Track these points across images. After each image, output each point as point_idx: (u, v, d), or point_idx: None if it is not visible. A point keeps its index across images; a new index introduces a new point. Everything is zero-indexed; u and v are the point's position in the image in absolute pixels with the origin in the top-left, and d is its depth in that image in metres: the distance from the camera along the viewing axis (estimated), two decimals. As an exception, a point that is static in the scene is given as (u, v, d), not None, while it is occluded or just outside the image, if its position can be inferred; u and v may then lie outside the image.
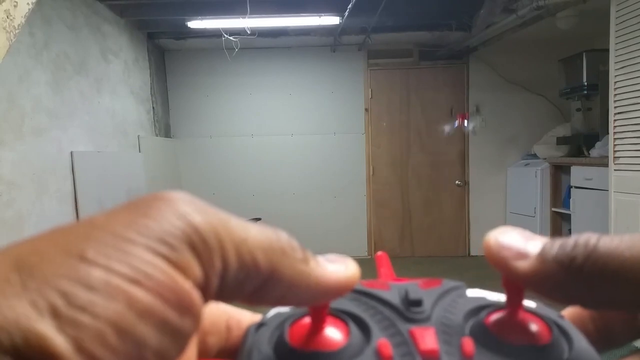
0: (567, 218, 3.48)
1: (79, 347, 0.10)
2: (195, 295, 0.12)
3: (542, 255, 0.15)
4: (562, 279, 0.14)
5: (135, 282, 0.11)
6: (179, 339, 0.12)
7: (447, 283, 0.18)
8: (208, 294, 0.13)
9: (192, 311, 0.12)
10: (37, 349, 0.10)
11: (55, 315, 0.10)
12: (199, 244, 0.12)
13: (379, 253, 0.28)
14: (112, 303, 0.11)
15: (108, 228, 0.12)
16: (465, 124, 3.80)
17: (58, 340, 0.10)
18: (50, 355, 0.10)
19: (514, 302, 0.16)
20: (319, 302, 0.15)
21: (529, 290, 0.15)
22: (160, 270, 0.12)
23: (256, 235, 0.14)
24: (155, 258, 0.12)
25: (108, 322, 0.11)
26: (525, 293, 0.16)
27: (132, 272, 0.11)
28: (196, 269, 0.12)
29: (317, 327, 0.15)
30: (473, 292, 0.18)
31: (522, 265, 0.15)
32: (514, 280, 0.15)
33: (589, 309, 0.16)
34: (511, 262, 0.15)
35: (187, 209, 0.13)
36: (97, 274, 0.11)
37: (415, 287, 0.18)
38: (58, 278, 0.11)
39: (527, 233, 0.16)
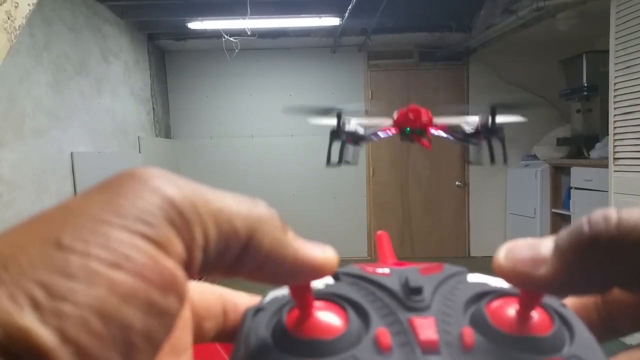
0: (567, 219, 3.48)
1: (64, 337, 0.10)
2: (179, 272, 0.12)
3: (557, 251, 0.14)
4: (588, 264, 0.13)
5: (115, 265, 0.11)
6: (165, 319, 0.12)
7: (449, 268, 0.18)
8: (192, 269, 0.13)
9: (176, 289, 0.12)
10: (21, 343, 0.10)
11: (36, 307, 0.10)
12: (177, 218, 0.12)
13: (380, 232, 0.28)
14: (93, 289, 0.10)
15: (83, 211, 0.12)
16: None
17: (42, 332, 0.10)
18: (35, 348, 0.10)
19: (528, 307, 0.15)
20: (298, 280, 0.15)
21: (558, 295, 0.14)
22: (140, 250, 0.11)
23: (234, 203, 0.14)
24: (135, 238, 0.11)
25: (91, 309, 0.10)
26: (542, 297, 0.15)
27: (111, 255, 0.11)
28: (178, 245, 0.12)
29: (303, 312, 0.15)
30: (474, 278, 0.18)
31: (542, 271, 0.14)
32: (538, 291, 0.14)
33: (627, 292, 0.15)
34: (530, 273, 0.14)
35: (161, 184, 0.13)
36: (75, 261, 0.11)
37: (415, 273, 0.17)
38: (35, 268, 0.10)
39: (531, 240, 0.15)
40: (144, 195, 0.12)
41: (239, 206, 0.14)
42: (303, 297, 0.15)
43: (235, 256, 0.14)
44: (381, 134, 1.62)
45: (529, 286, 0.14)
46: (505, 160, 1.54)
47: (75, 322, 0.10)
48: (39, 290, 0.10)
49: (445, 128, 1.56)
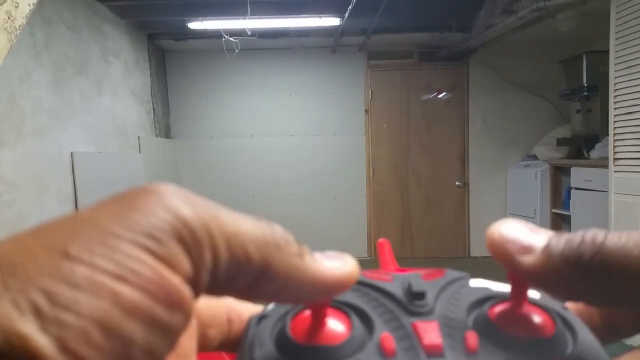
0: (567, 219, 3.48)
1: (63, 347, 0.10)
2: (185, 290, 0.12)
3: (547, 250, 0.14)
4: (568, 275, 0.14)
5: (120, 278, 0.11)
6: (169, 335, 0.12)
7: (451, 273, 0.18)
8: (198, 288, 0.13)
9: (182, 306, 0.12)
10: (19, 349, 0.09)
11: (38, 314, 0.10)
12: (187, 238, 0.12)
13: (381, 240, 0.27)
14: (97, 301, 0.10)
15: (93, 223, 0.12)
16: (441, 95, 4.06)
17: (41, 340, 0.10)
18: (33, 356, 0.10)
19: (518, 295, 0.16)
20: (317, 299, 0.15)
21: (533, 286, 0.15)
22: (147, 265, 0.11)
23: (249, 228, 0.13)
24: (142, 253, 0.11)
25: (93, 321, 0.10)
26: (530, 286, 0.15)
27: (117, 268, 0.11)
28: (185, 264, 0.12)
29: (316, 324, 0.15)
30: (476, 283, 0.18)
31: (527, 260, 0.14)
32: (518, 275, 0.15)
33: (593, 306, 0.16)
34: (516, 256, 0.15)
35: (176, 202, 0.12)
36: (80, 271, 0.11)
37: (418, 278, 0.17)
38: (41, 276, 0.10)
39: (531, 226, 0.16)
40: (157, 212, 0.12)
41: (254, 231, 0.13)
42: (320, 312, 0.15)
43: (249, 282, 0.14)
44: None
45: (509, 266, 0.15)
46: None
47: (76, 333, 0.10)
48: (42, 298, 0.10)
49: None
